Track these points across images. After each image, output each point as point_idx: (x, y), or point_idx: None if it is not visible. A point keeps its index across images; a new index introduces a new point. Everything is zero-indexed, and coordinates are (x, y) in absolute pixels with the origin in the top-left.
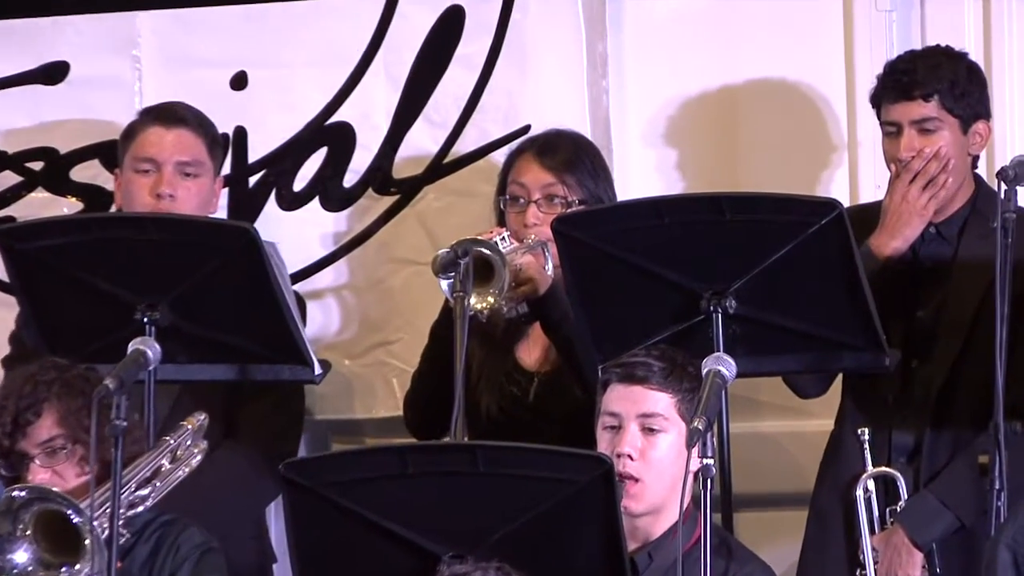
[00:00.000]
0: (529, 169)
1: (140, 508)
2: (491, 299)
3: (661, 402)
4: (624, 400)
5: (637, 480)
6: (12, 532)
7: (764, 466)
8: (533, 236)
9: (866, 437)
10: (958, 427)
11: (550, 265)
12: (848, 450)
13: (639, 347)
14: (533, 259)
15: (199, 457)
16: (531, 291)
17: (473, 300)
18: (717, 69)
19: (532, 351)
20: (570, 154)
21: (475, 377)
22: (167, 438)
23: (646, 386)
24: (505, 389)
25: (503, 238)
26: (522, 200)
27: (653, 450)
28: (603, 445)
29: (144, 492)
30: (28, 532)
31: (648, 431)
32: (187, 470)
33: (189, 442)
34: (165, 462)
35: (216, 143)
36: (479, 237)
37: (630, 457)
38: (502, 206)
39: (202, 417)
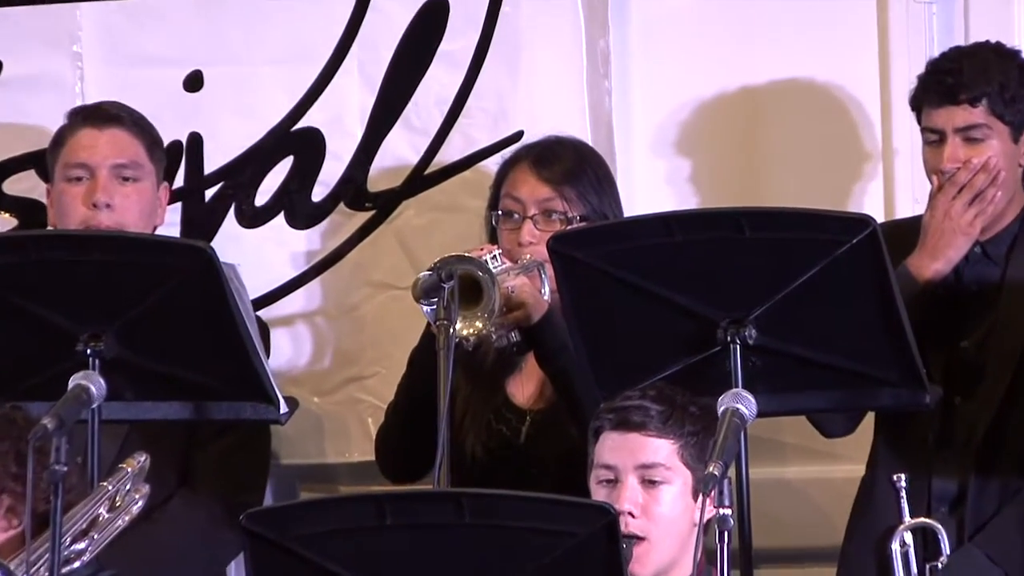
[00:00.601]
0: (525, 181)
1: (76, 564)
2: (479, 324)
3: (662, 450)
4: (620, 450)
5: (642, 539)
6: None
7: (788, 517)
8: (528, 256)
9: (902, 484)
10: (1007, 472)
11: (547, 289)
12: (882, 498)
13: (635, 388)
14: (528, 281)
15: (141, 503)
16: (524, 317)
17: (459, 325)
18: (735, 68)
19: (525, 386)
20: (571, 165)
21: (460, 414)
22: (104, 484)
23: (644, 433)
24: (493, 428)
25: (494, 256)
26: (517, 216)
27: (657, 505)
28: None
29: (80, 546)
30: None
31: (649, 483)
32: (128, 518)
33: (129, 486)
34: (103, 511)
35: (157, 144)
36: (466, 254)
37: (631, 515)
38: (494, 222)
39: (142, 458)
